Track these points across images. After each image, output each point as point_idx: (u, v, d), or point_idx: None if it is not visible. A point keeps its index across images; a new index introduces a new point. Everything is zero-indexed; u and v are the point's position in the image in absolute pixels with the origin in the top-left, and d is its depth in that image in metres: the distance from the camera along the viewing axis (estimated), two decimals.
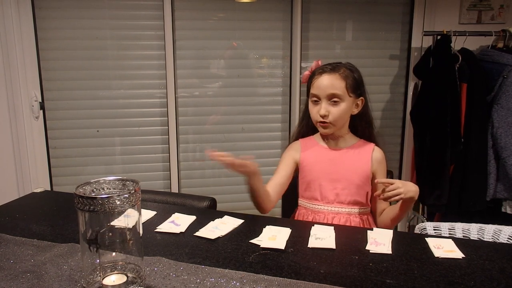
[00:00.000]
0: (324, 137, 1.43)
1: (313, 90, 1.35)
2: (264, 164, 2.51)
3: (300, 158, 1.43)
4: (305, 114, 1.47)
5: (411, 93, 2.52)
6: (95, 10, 2.21)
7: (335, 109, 1.32)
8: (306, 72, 1.42)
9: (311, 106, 1.38)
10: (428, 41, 2.35)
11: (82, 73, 2.26)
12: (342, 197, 1.36)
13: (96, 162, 2.36)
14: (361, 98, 1.38)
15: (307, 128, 1.49)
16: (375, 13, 2.44)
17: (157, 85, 2.33)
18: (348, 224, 1.35)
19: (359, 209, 1.37)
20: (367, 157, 1.38)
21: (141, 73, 2.31)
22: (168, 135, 2.38)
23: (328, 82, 1.31)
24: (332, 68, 1.34)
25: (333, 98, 1.32)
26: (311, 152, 1.42)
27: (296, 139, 1.50)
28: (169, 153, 2.40)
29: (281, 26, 2.38)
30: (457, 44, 2.22)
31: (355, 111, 1.38)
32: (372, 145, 1.42)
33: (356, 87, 1.35)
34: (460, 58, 2.14)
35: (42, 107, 2.25)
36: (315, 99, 1.35)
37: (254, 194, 1.30)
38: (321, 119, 1.33)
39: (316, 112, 1.35)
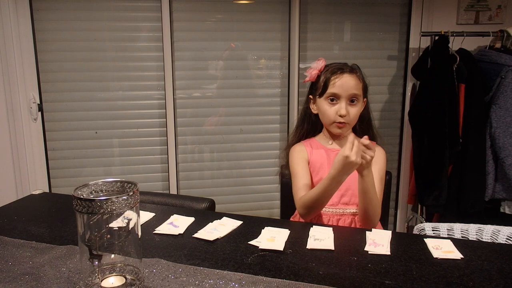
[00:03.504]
0: (330, 138, 1.42)
1: (333, 89, 1.31)
2: (263, 165, 2.51)
3: (308, 160, 1.41)
4: (307, 115, 1.45)
5: (409, 94, 2.52)
6: (93, 12, 2.21)
7: (353, 109, 1.33)
8: (314, 71, 1.38)
9: (326, 105, 1.34)
10: (426, 42, 2.35)
11: (81, 75, 2.26)
12: (346, 198, 1.36)
13: (94, 163, 2.36)
14: (365, 99, 1.40)
15: (312, 129, 1.46)
16: (373, 14, 2.44)
17: (155, 86, 2.33)
18: (353, 225, 1.35)
19: None
20: None
21: (139, 74, 2.31)
22: (167, 137, 2.37)
23: (351, 82, 1.31)
24: (351, 68, 1.34)
25: (353, 99, 1.32)
26: (316, 155, 1.41)
27: (298, 141, 1.47)
28: (167, 155, 2.40)
29: (279, 27, 2.38)
30: (455, 44, 2.23)
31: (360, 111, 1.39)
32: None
33: (367, 89, 1.38)
34: (458, 59, 2.15)
35: (40, 109, 2.24)
36: (332, 98, 1.32)
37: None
38: (340, 119, 1.31)
39: (335, 112, 1.32)
